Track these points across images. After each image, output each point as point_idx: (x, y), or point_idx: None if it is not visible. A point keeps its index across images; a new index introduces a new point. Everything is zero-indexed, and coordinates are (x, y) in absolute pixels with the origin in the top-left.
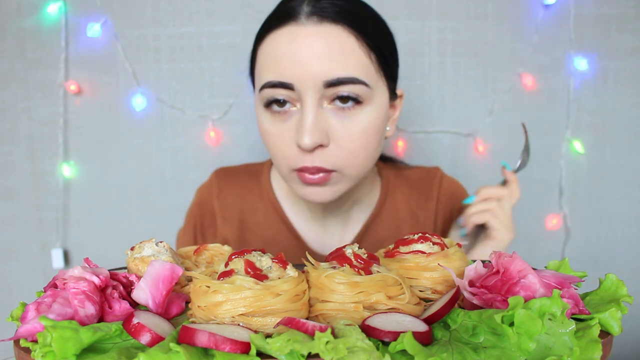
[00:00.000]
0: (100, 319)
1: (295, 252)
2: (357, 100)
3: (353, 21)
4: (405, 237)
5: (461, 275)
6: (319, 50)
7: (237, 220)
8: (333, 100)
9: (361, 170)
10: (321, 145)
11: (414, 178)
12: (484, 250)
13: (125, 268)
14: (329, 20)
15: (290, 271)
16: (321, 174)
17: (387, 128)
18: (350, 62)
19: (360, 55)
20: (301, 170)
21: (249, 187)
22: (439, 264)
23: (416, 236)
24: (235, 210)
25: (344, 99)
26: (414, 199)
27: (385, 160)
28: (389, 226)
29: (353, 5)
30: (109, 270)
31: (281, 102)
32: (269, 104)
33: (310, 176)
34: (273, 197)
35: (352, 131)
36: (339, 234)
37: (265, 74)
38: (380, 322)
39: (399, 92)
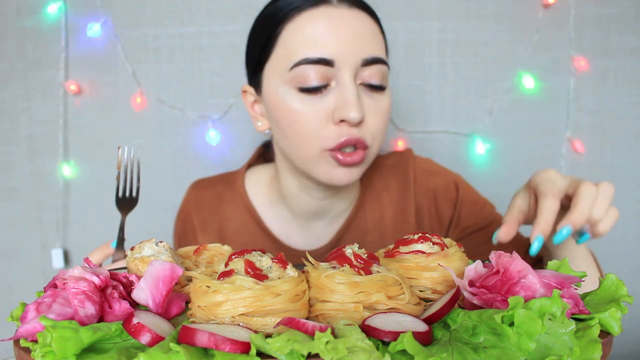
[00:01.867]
0: (100, 319)
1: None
2: (382, 86)
3: (371, 11)
4: (405, 237)
5: (461, 275)
6: (357, 29)
7: (216, 230)
8: (362, 83)
9: (377, 151)
10: (361, 121)
11: (389, 164)
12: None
13: (125, 268)
14: (357, 6)
15: (290, 271)
16: (360, 152)
17: None
18: (378, 45)
19: (382, 40)
20: (339, 147)
21: (224, 196)
22: (439, 264)
23: (416, 236)
24: (213, 221)
25: (374, 79)
26: (392, 184)
27: None
28: (372, 216)
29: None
30: (109, 270)
31: (316, 80)
32: (301, 81)
33: (347, 157)
34: (248, 203)
35: (380, 110)
36: (321, 231)
37: (300, 51)
38: (380, 322)
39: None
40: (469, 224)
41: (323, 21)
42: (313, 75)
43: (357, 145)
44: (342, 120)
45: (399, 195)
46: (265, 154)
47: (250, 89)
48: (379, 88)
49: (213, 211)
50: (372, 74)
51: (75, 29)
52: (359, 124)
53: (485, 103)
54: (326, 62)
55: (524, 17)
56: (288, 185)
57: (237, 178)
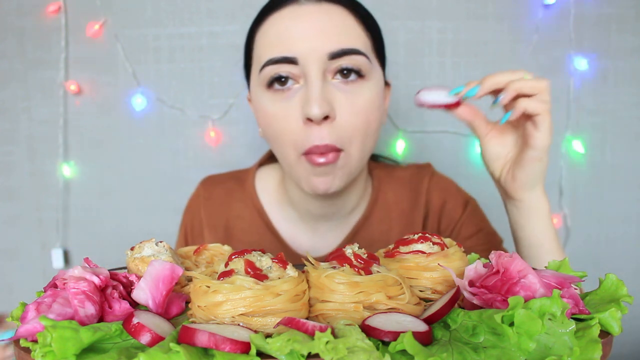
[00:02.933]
0: (100, 319)
1: None
2: (359, 74)
3: (350, 3)
4: (405, 237)
5: (461, 275)
6: (322, 24)
7: (223, 228)
8: (336, 74)
9: (364, 152)
10: (328, 118)
11: (405, 176)
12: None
13: (125, 268)
14: (328, 0)
15: (290, 271)
16: (331, 154)
17: None
18: (351, 36)
19: (359, 31)
20: (310, 151)
21: (234, 194)
22: (439, 264)
23: (416, 236)
24: (221, 218)
25: (347, 71)
26: (405, 198)
27: (377, 160)
28: (380, 228)
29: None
30: (109, 270)
31: (283, 80)
32: (271, 82)
33: (321, 158)
34: (257, 202)
35: (357, 104)
36: (329, 236)
37: (267, 52)
38: (380, 322)
39: (389, 80)
40: (468, 247)
41: (286, 20)
42: (279, 75)
43: (326, 150)
44: (308, 119)
45: (408, 209)
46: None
47: (250, 96)
48: (353, 80)
49: (222, 209)
50: (342, 65)
51: (75, 29)
52: (325, 120)
53: (485, 103)
54: (290, 61)
55: (524, 17)
56: (292, 188)
57: (247, 177)
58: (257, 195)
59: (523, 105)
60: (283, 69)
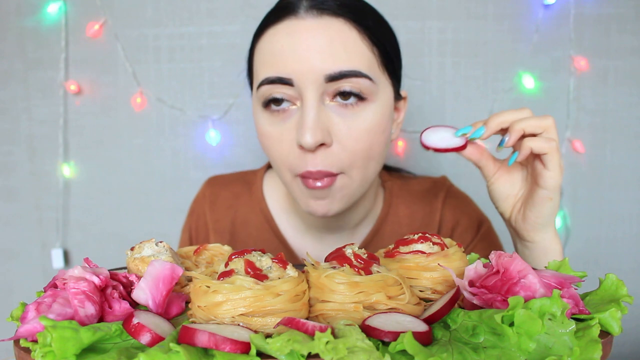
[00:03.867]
0: (100, 319)
1: None
2: (360, 97)
3: (354, 14)
4: (405, 237)
5: (461, 275)
6: (320, 43)
7: (228, 233)
8: (335, 96)
9: (367, 175)
10: (324, 145)
11: (419, 190)
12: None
13: (125, 268)
14: (329, 13)
15: (290, 271)
16: (325, 179)
17: (391, 131)
18: (352, 55)
19: (363, 48)
20: (304, 175)
21: (241, 198)
22: (439, 264)
23: (416, 236)
24: (227, 222)
25: (346, 94)
26: (418, 212)
27: (390, 171)
28: (391, 242)
29: (354, 0)
30: (109, 270)
31: (279, 101)
32: (267, 102)
33: (315, 182)
34: (265, 208)
35: (356, 129)
36: (336, 245)
37: (263, 71)
38: (380, 322)
39: (403, 93)
40: None
41: (282, 37)
42: (275, 96)
43: (319, 176)
44: (299, 146)
45: (420, 224)
46: None
47: None
48: (353, 104)
49: (228, 212)
50: (341, 89)
51: (75, 29)
52: (320, 148)
53: (485, 103)
54: (285, 82)
55: (524, 17)
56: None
57: (255, 180)
58: (264, 201)
59: (529, 145)
60: (278, 90)
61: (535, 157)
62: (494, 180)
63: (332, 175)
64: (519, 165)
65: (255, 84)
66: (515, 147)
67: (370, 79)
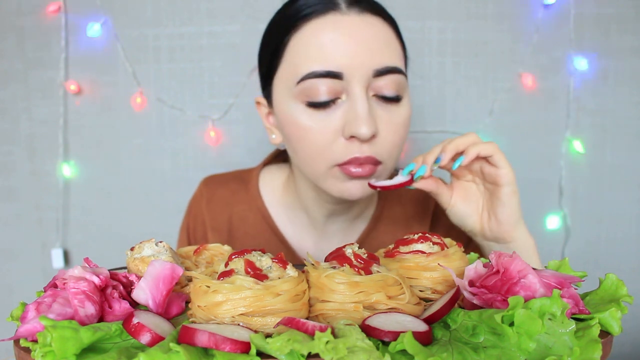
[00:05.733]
0: (100, 319)
1: None
2: (398, 92)
3: (387, 14)
4: (405, 237)
5: (461, 275)
6: (367, 38)
7: (226, 231)
8: (375, 92)
9: (394, 166)
10: (373, 136)
11: (412, 191)
12: (507, 202)
13: (125, 268)
14: (369, 11)
15: (290, 271)
16: (369, 166)
17: None
18: (393, 52)
19: (398, 46)
20: (348, 162)
21: (237, 196)
22: (439, 264)
23: (416, 236)
24: (224, 221)
25: (388, 90)
26: (410, 212)
27: None
28: (384, 240)
29: (380, 3)
30: (109, 270)
31: (324, 94)
32: (309, 95)
33: (358, 169)
34: (262, 205)
35: (396, 122)
36: (335, 242)
37: (307, 64)
38: (380, 322)
39: None
40: None
41: (330, 31)
42: (321, 90)
43: (366, 161)
44: (352, 136)
45: (415, 223)
46: (282, 153)
47: (263, 101)
48: (394, 99)
49: (225, 210)
50: (385, 85)
51: (75, 29)
52: (371, 139)
53: (485, 103)
54: (334, 75)
55: (524, 17)
56: (303, 192)
57: (251, 177)
58: (261, 197)
59: (475, 150)
60: (324, 83)
61: (486, 162)
62: (453, 203)
63: (377, 164)
64: (468, 182)
65: (291, 76)
66: (446, 167)
67: (405, 76)
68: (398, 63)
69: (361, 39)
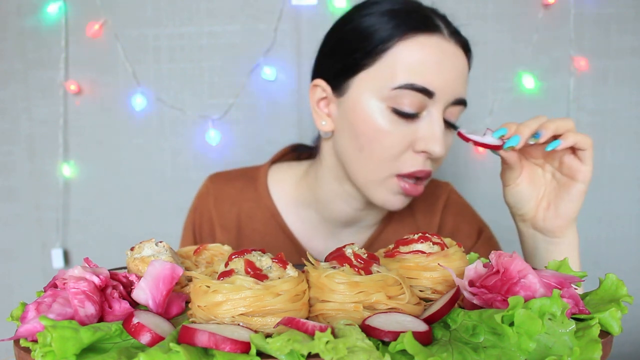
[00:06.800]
0: (100, 318)
1: (294, 260)
2: (456, 123)
3: (470, 54)
4: (406, 237)
5: (461, 275)
6: (459, 69)
7: (235, 228)
8: (445, 116)
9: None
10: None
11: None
12: (573, 197)
13: (125, 268)
14: (461, 45)
15: (290, 271)
16: (422, 185)
17: None
18: (466, 86)
19: (467, 82)
20: (411, 175)
21: (245, 194)
22: (439, 264)
23: (416, 236)
24: (232, 218)
25: (453, 118)
26: (418, 212)
27: None
28: (394, 240)
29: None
30: (109, 270)
31: (413, 106)
32: (399, 103)
33: (413, 189)
34: (271, 203)
35: (448, 145)
36: (345, 242)
37: (407, 75)
38: (380, 322)
39: None
40: None
41: (435, 52)
42: (412, 102)
43: (424, 177)
44: (423, 151)
45: (423, 225)
46: (290, 153)
47: (325, 86)
48: (452, 126)
49: (232, 208)
50: (454, 113)
51: (75, 29)
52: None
53: (485, 103)
54: (428, 93)
55: (524, 17)
56: (327, 189)
57: (259, 175)
58: (269, 195)
59: (573, 138)
60: (417, 97)
61: (571, 154)
62: (519, 182)
63: (428, 177)
64: (537, 167)
65: (388, 77)
66: (547, 155)
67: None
68: (466, 96)
69: (455, 67)
